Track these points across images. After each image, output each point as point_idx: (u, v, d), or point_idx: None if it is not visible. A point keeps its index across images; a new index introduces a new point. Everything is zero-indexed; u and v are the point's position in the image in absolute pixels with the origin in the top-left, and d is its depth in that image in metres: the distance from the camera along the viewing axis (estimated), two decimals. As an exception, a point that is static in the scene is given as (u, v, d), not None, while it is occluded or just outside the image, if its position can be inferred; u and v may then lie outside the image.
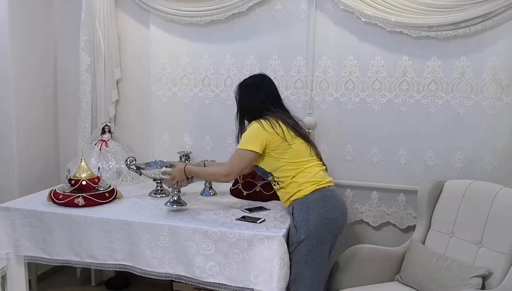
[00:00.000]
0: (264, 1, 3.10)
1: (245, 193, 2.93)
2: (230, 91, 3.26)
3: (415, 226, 2.89)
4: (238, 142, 2.59)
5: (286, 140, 2.47)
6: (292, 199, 2.48)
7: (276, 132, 2.46)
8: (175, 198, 2.64)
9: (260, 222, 2.47)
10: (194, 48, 3.30)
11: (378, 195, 3.10)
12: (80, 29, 3.33)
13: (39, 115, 3.54)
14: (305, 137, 2.58)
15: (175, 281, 3.12)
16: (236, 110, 2.71)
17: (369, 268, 2.67)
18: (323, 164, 2.63)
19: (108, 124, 3.36)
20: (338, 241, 2.91)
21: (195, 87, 3.34)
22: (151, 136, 3.47)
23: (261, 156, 2.51)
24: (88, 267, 2.70)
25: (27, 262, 2.78)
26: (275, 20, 3.12)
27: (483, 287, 2.34)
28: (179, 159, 3.11)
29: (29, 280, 3.15)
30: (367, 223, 3.14)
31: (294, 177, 2.48)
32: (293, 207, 2.46)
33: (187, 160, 3.23)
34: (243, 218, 2.52)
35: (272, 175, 2.56)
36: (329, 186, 2.50)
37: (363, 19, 2.91)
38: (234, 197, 2.98)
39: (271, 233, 2.32)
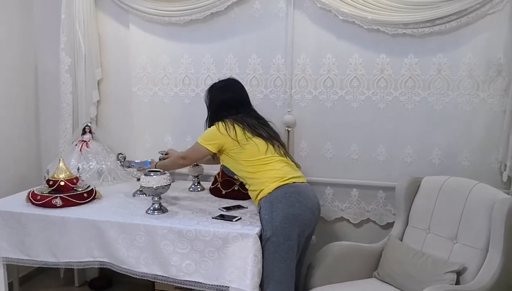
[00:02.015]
0: (243, 0, 3.10)
1: (224, 191, 2.94)
2: (210, 91, 3.26)
3: (394, 222, 2.90)
4: None
5: (238, 141, 2.54)
6: (259, 198, 2.50)
7: (228, 134, 2.55)
8: (156, 206, 2.64)
9: (235, 221, 2.48)
10: (174, 48, 3.30)
11: (357, 192, 3.11)
12: (60, 30, 3.33)
13: (19, 116, 3.53)
14: (265, 136, 2.61)
15: (157, 281, 3.12)
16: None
17: (346, 265, 2.67)
18: (293, 161, 2.65)
19: (89, 124, 3.36)
20: (318, 238, 2.95)
21: (175, 87, 3.34)
22: (133, 137, 3.48)
23: (223, 155, 2.64)
24: (67, 267, 2.70)
25: (6, 264, 2.78)
26: (254, 19, 3.12)
27: (457, 282, 2.35)
28: (158, 159, 3.10)
29: (11, 282, 3.16)
30: (348, 220, 3.15)
31: (255, 174, 2.54)
32: (259, 206, 2.49)
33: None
34: (220, 217, 2.53)
35: (236, 175, 2.65)
36: (293, 182, 2.50)
37: (340, 17, 2.92)
38: (213, 196, 2.99)
39: (245, 231, 2.34)
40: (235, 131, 2.55)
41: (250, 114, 2.68)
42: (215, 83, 2.80)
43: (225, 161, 2.66)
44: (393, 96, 2.95)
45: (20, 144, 3.54)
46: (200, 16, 3.16)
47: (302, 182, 2.56)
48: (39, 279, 3.64)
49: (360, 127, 3.04)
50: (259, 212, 2.48)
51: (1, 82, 3.35)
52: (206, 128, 2.72)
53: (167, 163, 2.81)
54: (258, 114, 2.74)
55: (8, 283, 3.02)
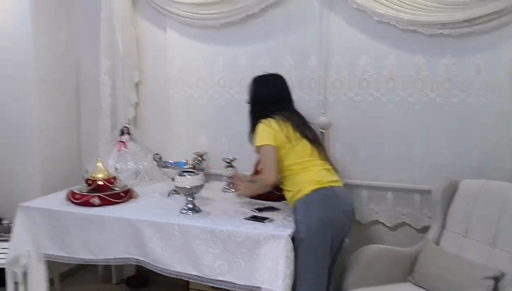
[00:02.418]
0: (277, 2, 3.12)
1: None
2: (245, 93, 3.27)
3: (430, 226, 2.85)
4: (250, 140, 2.67)
5: (290, 140, 2.52)
6: (294, 199, 2.49)
7: (282, 131, 2.52)
8: (190, 206, 2.68)
9: (267, 222, 2.49)
10: (209, 51, 3.35)
11: (393, 195, 3.06)
12: (99, 33, 3.43)
13: (62, 117, 3.66)
14: (310, 138, 2.59)
15: (191, 281, 3.16)
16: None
17: (380, 268, 2.64)
18: (331, 165, 2.62)
19: (127, 126, 3.45)
20: (352, 241, 2.92)
21: (210, 89, 3.38)
22: (169, 138, 3.54)
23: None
24: (104, 264, 2.78)
25: (47, 260, 2.88)
26: (288, 21, 3.13)
27: (495, 288, 2.29)
28: (193, 160, 3.14)
29: (52, 278, 3.27)
30: (383, 224, 3.11)
31: (294, 176, 2.52)
32: (295, 207, 2.48)
33: (203, 161, 3.28)
34: (252, 218, 2.55)
35: None
36: (330, 185, 2.49)
37: (375, 18, 2.89)
38: (247, 197, 3.01)
39: (278, 232, 2.34)
40: (287, 129, 2.53)
41: (294, 113, 2.66)
42: (262, 76, 2.74)
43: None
44: (429, 97, 2.90)
45: (62, 144, 3.67)
46: (235, 18, 3.19)
47: (339, 186, 2.54)
48: (78, 275, 3.76)
49: (396, 129, 2.99)
50: (294, 213, 2.48)
51: (45, 84, 3.48)
52: (249, 120, 2.72)
53: (258, 189, 2.76)
54: (300, 113, 2.71)
55: (49, 279, 3.13)
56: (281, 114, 2.58)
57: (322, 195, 2.44)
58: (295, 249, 2.36)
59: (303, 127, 2.60)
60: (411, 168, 2.99)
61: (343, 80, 3.06)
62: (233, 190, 3.05)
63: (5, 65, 3.45)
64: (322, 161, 2.58)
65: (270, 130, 2.52)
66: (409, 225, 3.06)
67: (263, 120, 2.57)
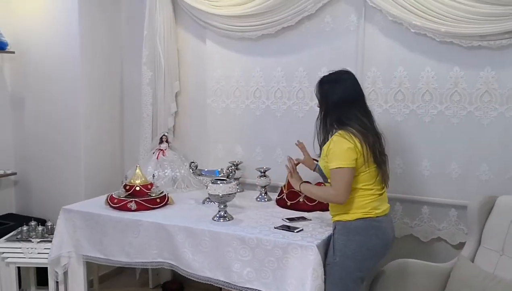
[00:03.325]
0: (314, 14, 3.14)
1: (289, 203, 2.97)
2: (281, 103, 3.34)
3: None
4: (320, 149, 2.51)
5: (363, 163, 2.35)
6: (336, 218, 2.43)
7: (361, 149, 2.33)
8: (222, 213, 2.73)
9: (297, 232, 2.50)
10: (246, 62, 3.41)
11: (428, 209, 3.00)
12: (142, 45, 3.57)
13: (106, 125, 3.82)
14: (379, 163, 2.41)
15: (224, 288, 3.21)
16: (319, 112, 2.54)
17: (412, 283, 2.61)
18: (387, 186, 2.50)
19: (166, 134, 3.56)
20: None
21: (247, 99, 3.44)
22: (206, 146, 3.62)
23: (327, 161, 2.41)
24: (138, 267, 2.88)
25: (87, 262, 3.01)
26: (324, 33, 3.15)
27: (530, 309, 2.21)
28: (227, 169, 3.20)
29: (91, 280, 3.40)
30: (417, 238, 3.05)
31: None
32: (335, 227, 2.43)
33: (238, 170, 3.33)
34: (282, 227, 2.57)
35: (328, 182, 2.47)
36: (377, 216, 2.38)
37: (412, 30, 2.86)
38: (279, 207, 3.03)
39: (305, 242, 2.35)
40: (364, 148, 2.34)
41: (368, 121, 2.43)
42: (336, 74, 2.50)
43: (326, 166, 2.42)
44: (467, 110, 2.83)
45: (106, 151, 3.82)
46: (272, 30, 3.24)
47: (386, 214, 2.44)
48: (117, 278, 3.87)
49: (432, 142, 2.94)
50: (333, 232, 2.43)
51: (91, 93, 3.65)
52: (318, 130, 2.52)
53: (316, 191, 2.56)
54: (373, 118, 2.49)
55: (89, 281, 3.26)
56: (360, 123, 2.39)
57: (367, 225, 2.36)
58: (328, 268, 2.36)
59: (377, 147, 2.40)
60: (448, 182, 2.93)
61: (379, 92, 3.05)
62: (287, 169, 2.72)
63: (54, 75, 3.65)
64: (380, 186, 2.44)
65: (350, 148, 2.31)
66: (445, 241, 2.99)
67: (341, 132, 2.37)
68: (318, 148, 2.55)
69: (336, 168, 2.32)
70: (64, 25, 3.55)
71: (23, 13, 3.70)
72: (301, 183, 2.61)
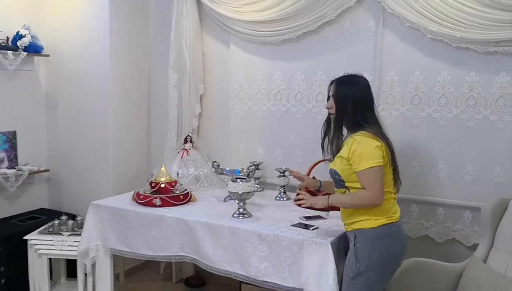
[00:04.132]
0: (333, 20, 3.24)
1: (307, 202, 3.07)
2: (301, 106, 3.45)
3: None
4: (333, 151, 2.44)
5: (388, 165, 2.34)
6: (356, 226, 2.35)
7: (387, 152, 2.33)
8: (241, 210, 2.85)
9: (312, 229, 2.60)
10: (268, 65, 3.54)
11: (443, 211, 3.07)
12: (169, 49, 3.73)
13: (134, 125, 4.00)
14: (395, 168, 2.41)
15: (244, 282, 3.33)
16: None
17: (426, 282, 2.67)
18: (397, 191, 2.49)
19: (190, 134, 3.70)
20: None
21: (268, 102, 3.57)
22: (228, 147, 3.76)
23: (348, 163, 2.33)
24: (162, 260, 3.02)
25: (113, 255, 3.17)
26: (344, 38, 3.25)
27: (539, 309, 2.26)
28: (247, 168, 3.32)
29: (118, 273, 3.57)
30: (432, 239, 3.11)
31: None
32: (355, 236, 2.35)
33: (258, 170, 3.46)
34: (298, 224, 2.68)
35: (345, 186, 2.38)
36: (397, 220, 2.36)
37: (428, 36, 2.94)
38: (297, 205, 3.13)
39: (320, 239, 2.45)
40: (388, 152, 2.33)
41: (380, 127, 2.40)
42: (354, 77, 2.45)
43: (345, 169, 2.34)
44: (482, 115, 2.89)
45: (133, 149, 4.00)
46: (293, 35, 3.36)
47: (400, 218, 2.42)
48: (142, 273, 4.05)
49: (447, 145, 3.01)
50: (354, 243, 2.35)
51: (120, 94, 3.83)
52: (335, 128, 2.43)
53: (348, 200, 2.39)
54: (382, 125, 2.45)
55: (116, 274, 3.43)
56: (377, 126, 2.37)
57: (390, 231, 2.32)
58: (350, 278, 2.34)
59: (393, 152, 2.39)
60: (463, 185, 2.99)
61: (396, 96, 3.13)
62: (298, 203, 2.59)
63: (86, 77, 3.84)
64: (394, 190, 2.42)
65: (378, 145, 2.28)
66: (460, 242, 3.05)
67: (361, 133, 2.32)
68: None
69: (368, 168, 2.24)
70: (95, 31, 3.75)
71: (57, 19, 3.91)
72: (327, 197, 2.43)
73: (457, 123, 2.97)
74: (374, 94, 3.04)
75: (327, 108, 2.47)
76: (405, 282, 2.68)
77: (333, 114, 2.43)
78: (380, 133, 2.34)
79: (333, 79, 2.48)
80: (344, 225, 2.46)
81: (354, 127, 2.38)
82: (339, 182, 2.40)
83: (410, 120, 3.10)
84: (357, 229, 2.35)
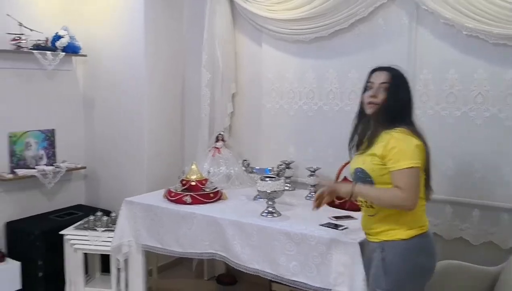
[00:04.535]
0: (366, 17, 3.19)
1: (337, 202, 3.03)
2: (333, 104, 3.42)
3: (520, 246, 2.74)
4: (365, 146, 2.23)
5: (424, 168, 2.15)
6: (384, 238, 2.16)
7: (426, 154, 2.15)
8: (270, 209, 2.85)
9: (341, 229, 2.58)
10: (299, 64, 3.52)
11: (479, 212, 2.97)
12: (202, 48, 3.77)
13: (168, 124, 4.07)
14: (428, 172, 2.20)
15: (273, 281, 3.32)
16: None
17: (458, 285, 2.60)
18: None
19: (222, 133, 3.73)
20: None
21: (300, 100, 3.55)
22: (260, 145, 3.76)
23: (381, 163, 2.14)
24: (191, 257, 3.05)
25: (146, 252, 3.22)
26: (377, 35, 3.20)
27: None
28: (277, 167, 3.31)
29: (151, 270, 3.63)
30: (467, 241, 3.02)
31: (398, 211, 2.12)
32: (382, 248, 2.16)
33: (289, 169, 3.45)
34: (327, 224, 2.65)
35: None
36: (428, 230, 2.19)
37: (464, 32, 2.86)
38: (327, 205, 3.10)
39: (349, 240, 2.42)
40: (425, 154, 2.15)
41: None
42: (399, 70, 2.25)
43: (376, 169, 2.15)
44: (521, 113, 2.80)
45: (167, 148, 4.06)
46: (325, 33, 3.33)
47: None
48: (174, 269, 4.10)
49: (485, 145, 2.91)
50: (382, 257, 2.15)
51: (155, 94, 3.91)
52: (378, 120, 2.20)
53: (374, 195, 2.16)
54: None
55: (149, 270, 3.49)
56: (415, 126, 2.19)
57: (422, 243, 2.15)
58: None
59: (429, 155, 2.19)
60: (500, 186, 2.89)
61: (430, 94, 3.05)
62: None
63: (122, 77, 3.93)
64: (426, 199, 2.23)
65: (419, 145, 2.09)
66: (497, 245, 2.95)
67: (400, 129, 2.12)
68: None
69: (406, 168, 2.04)
70: (131, 31, 3.83)
71: (94, 20, 4.01)
72: (353, 184, 2.19)
73: (494, 122, 2.87)
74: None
75: (371, 96, 2.19)
76: (437, 285, 2.60)
77: (376, 104, 2.18)
78: (418, 132, 2.16)
79: (377, 67, 2.28)
80: (366, 234, 2.30)
81: (392, 123, 2.14)
82: (365, 183, 2.18)
83: (445, 119, 3.02)
84: (386, 240, 2.15)
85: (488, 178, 2.92)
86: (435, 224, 3.05)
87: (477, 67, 2.89)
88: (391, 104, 2.16)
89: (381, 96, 2.18)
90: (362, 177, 2.20)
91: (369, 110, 2.22)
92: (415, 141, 2.09)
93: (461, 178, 3.01)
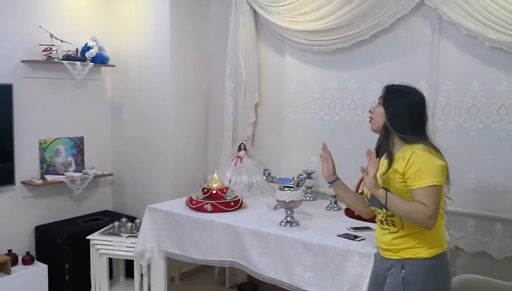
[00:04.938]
0: (388, 28, 3.20)
1: (356, 213, 3.03)
2: (354, 115, 3.43)
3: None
4: (386, 163, 2.16)
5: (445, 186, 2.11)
6: (405, 255, 2.10)
7: (448, 174, 2.10)
8: (289, 219, 2.87)
9: (358, 240, 2.58)
10: (321, 74, 3.55)
11: (502, 226, 2.92)
12: (226, 59, 3.83)
13: (192, 132, 4.15)
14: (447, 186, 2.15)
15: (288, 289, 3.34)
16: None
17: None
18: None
19: (244, 142, 3.77)
20: (456, 271, 2.86)
21: (321, 110, 3.57)
22: (282, 155, 3.79)
23: (402, 183, 2.09)
24: (210, 264, 3.11)
25: (168, 258, 3.28)
26: (399, 47, 3.20)
27: None
28: (297, 177, 3.33)
29: (173, 276, 3.69)
30: (489, 255, 2.97)
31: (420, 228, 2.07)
32: (402, 265, 2.10)
33: (310, 179, 3.47)
34: (344, 235, 2.66)
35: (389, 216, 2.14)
36: (446, 249, 2.15)
37: (487, 44, 2.83)
38: (347, 216, 3.11)
39: (365, 250, 2.42)
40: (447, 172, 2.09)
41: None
42: (411, 89, 2.20)
43: (399, 187, 2.09)
44: (546, 126, 2.75)
45: (191, 156, 4.14)
46: (346, 44, 3.35)
47: None
48: (196, 277, 4.15)
49: (508, 157, 2.87)
50: (403, 276, 2.09)
51: (180, 103, 4.00)
52: (391, 130, 2.15)
53: (404, 206, 2.04)
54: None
55: (171, 277, 3.55)
56: (431, 142, 2.15)
57: (442, 262, 2.11)
58: None
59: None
60: (524, 200, 2.85)
61: (453, 106, 3.03)
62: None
63: (148, 86, 4.03)
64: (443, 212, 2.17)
65: (443, 165, 2.05)
66: (521, 260, 2.90)
67: (421, 146, 2.06)
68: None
69: (432, 185, 1.99)
70: (157, 43, 3.93)
71: (122, 31, 4.14)
72: (386, 190, 2.08)
73: (518, 135, 2.83)
74: (430, 104, 3.04)
75: (370, 112, 2.27)
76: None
77: (372, 119, 2.23)
78: (438, 150, 2.11)
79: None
80: (383, 250, 2.21)
81: (407, 134, 2.11)
82: (378, 206, 2.12)
83: (468, 131, 2.99)
84: (407, 258, 2.10)
85: (511, 191, 2.87)
86: (456, 238, 3.03)
87: (500, 79, 2.86)
88: (391, 112, 2.14)
89: (378, 110, 2.20)
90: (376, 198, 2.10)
91: (371, 126, 2.27)
92: (439, 161, 2.05)
93: (483, 191, 2.97)
